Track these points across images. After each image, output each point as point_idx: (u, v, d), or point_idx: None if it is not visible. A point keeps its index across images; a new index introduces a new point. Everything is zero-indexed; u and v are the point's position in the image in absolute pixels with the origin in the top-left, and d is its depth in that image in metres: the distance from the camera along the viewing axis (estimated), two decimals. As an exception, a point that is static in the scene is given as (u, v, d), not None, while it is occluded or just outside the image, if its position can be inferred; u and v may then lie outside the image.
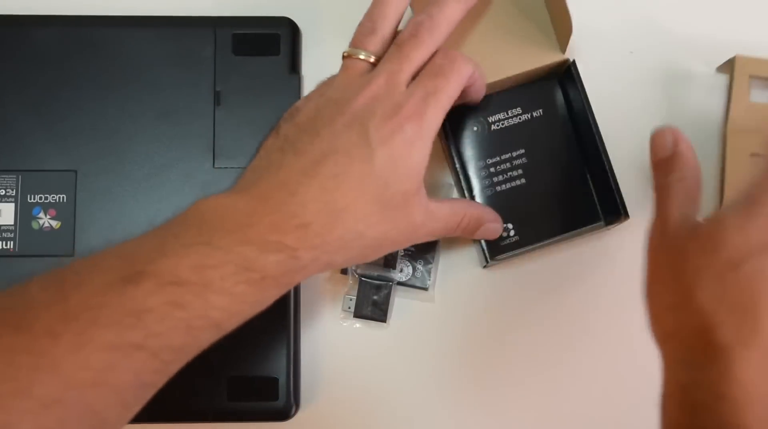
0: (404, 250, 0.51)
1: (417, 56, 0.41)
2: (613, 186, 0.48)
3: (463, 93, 0.44)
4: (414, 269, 0.51)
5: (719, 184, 0.52)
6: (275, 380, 0.48)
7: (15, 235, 0.49)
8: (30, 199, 0.49)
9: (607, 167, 0.48)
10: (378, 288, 0.51)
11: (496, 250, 0.49)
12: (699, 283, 0.36)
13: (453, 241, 0.52)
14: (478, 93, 0.46)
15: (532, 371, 0.52)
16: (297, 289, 0.50)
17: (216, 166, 0.50)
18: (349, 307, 0.51)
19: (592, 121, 0.49)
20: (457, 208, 0.44)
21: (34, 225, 0.49)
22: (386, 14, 0.43)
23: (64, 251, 0.49)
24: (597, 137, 0.49)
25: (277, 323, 0.48)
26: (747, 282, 0.36)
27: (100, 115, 0.50)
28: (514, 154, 0.50)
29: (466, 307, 0.52)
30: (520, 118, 0.50)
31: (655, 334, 0.40)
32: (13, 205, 0.49)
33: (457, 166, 0.49)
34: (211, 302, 0.35)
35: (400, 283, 0.51)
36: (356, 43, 0.43)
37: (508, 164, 0.50)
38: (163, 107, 0.50)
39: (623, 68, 0.54)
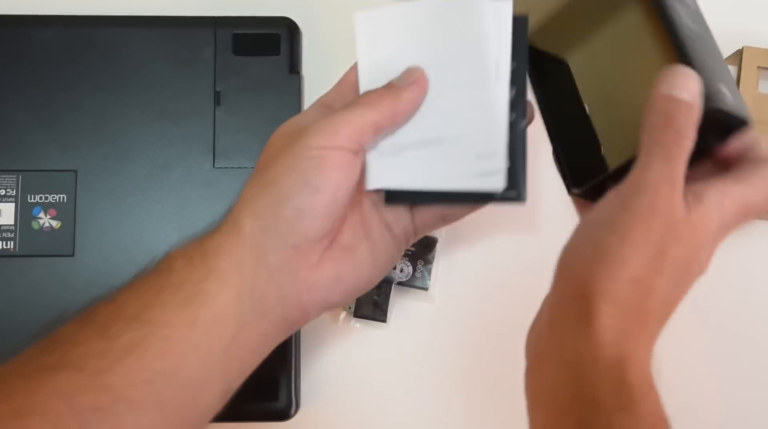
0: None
1: None
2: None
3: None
4: (414, 269, 0.51)
5: None
6: (275, 380, 0.48)
7: (15, 235, 0.49)
8: (30, 199, 0.49)
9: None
10: (378, 288, 0.51)
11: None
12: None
13: (453, 241, 0.52)
14: None
15: (533, 371, 0.52)
16: (297, 289, 0.50)
17: (216, 166, 0.50)
18: (350, 307, 0.51)
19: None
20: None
21: (35, 225, 0.49)
22: None
23: (64, 251, 0.49)
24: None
25: (277, 323, 0.48)
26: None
27: (100, 115, 0.50)
28: None
29: (466, 307, 0.52)
30: None
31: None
32: (13, 205, 0.49)
33: None
34: (119, 301, 0.36)
35: (400, 283, 0.51)
36: None
37: None
38: (163, 107, 0.50)
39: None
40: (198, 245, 0.36)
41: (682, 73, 0.32)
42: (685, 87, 0.32)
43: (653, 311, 0.33)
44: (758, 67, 0.52)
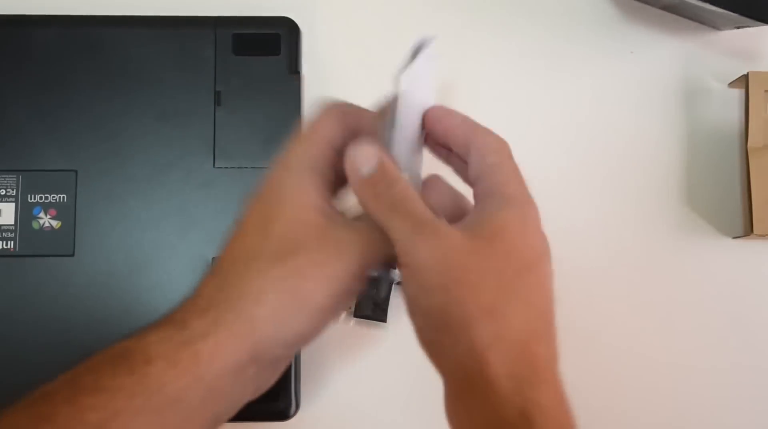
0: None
1: None
2: None
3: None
4: (414, 269, 0.51)
5: (745, 201, 0.52)
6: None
7: (15, 234, 0.49)
8: (30, 198, 0.49)
9: None
10: (378, 288, 0.51)
11: None
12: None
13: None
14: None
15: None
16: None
17: (216, 166, 0.50)
18: (350, 307, 0.51)
19: None
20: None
21: (35, 225, 0.49)
22: None
23: (64, 251, 0.49)
24: None
25: (277, 323, 0.48)
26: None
27: (100, 115, 0.50)
28: None
29: (467, 307, 0.52)
30: None
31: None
32: (13, 204, 0.49)
33: None
34: (84, 404, 0.30)
35: (400, 283, 0.51)
36: None
37: None
38: (163, 107, 0.50)
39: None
40: (186, 343, 0.31)
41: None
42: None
43: (536, 351, 0.31)
44: (765, 91, 0.52)
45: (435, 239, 0.32)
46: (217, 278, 0.33)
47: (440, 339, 0.32)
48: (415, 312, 0.34)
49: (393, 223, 0.32)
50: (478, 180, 0.34)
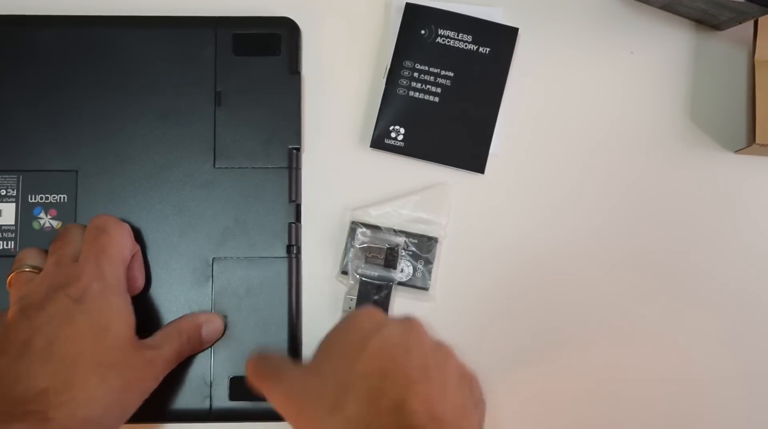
0: (405, 249, 0.51)
1: (73, 236, 0.45)
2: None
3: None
4: (415, 269, 0.51)
5: (749, 116, 0.53)
6: (275, 380, 0.48)
7: (16, 235, 0.49)
8: (31, 199, 0.49)
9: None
10: (378, 288, 0.51)
11: (380, 143, 0.52)
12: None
13: (454, 241, 0.52)
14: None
15: (532, 371, 0.52)
16: (298, 290, 0.50)
17: (216, 166, 0.50)
18: (350, 307, 0.51)
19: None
20: (172, 331, 0.46)
21: (35, 225, 0.49)
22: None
23: (64, 251, 0.49)
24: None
25: (277, 323, 0.48)
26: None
27: (100, 115, 0.50)
28: (443, 72, 0.52)
29: (466, 307, 0.52)
30: (466, 45, 0.52)
31: None
32: (13, 205, 0.49)
33: (391, 56, 0.53)
34: None
35: (400, 284, 0.51)
36: (19, 261, 0.46)
37: (431, 78, 0.52)
38: (163, 107, 0.50)
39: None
40: None
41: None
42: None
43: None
44: None
45: None
46: (63, 376, 0.40)
47: None
48: None
49: None
50: None
